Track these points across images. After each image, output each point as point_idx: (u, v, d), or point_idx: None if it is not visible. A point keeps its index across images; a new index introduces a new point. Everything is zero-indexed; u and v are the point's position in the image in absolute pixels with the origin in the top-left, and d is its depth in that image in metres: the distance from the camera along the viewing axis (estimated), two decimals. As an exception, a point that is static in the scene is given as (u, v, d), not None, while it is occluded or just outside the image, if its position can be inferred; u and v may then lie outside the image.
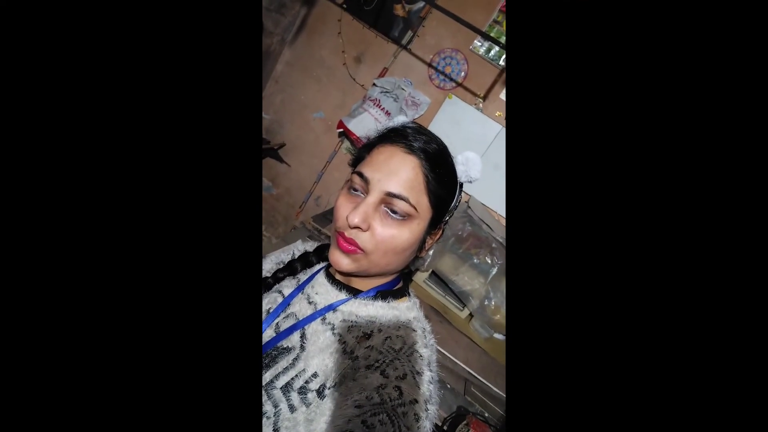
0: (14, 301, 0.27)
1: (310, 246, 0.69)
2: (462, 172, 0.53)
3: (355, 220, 0.47)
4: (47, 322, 0.27)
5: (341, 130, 2.05)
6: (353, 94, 2.13)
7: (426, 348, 0.50)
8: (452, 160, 0.53)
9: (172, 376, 0.28)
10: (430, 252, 1.60)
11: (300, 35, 2.16)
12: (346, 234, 0.49)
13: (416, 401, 0.41)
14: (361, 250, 0.49)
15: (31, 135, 0.28)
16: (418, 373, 0.45)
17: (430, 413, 0.42)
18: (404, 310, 0.54)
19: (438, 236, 0.56)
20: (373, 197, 0.48)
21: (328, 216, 1.92)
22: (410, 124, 0.53)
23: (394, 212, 0.48)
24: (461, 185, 0.55)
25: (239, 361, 0.30)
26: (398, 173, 0.48)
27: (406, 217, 0.48)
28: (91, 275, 0.28)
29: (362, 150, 0.55)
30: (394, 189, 0.47)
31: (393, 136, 0.51)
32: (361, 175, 0.50)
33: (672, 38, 0.28)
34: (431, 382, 0.46)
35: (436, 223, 0.53)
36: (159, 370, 0.28)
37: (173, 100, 0.31)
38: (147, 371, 0.28)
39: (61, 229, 0.28)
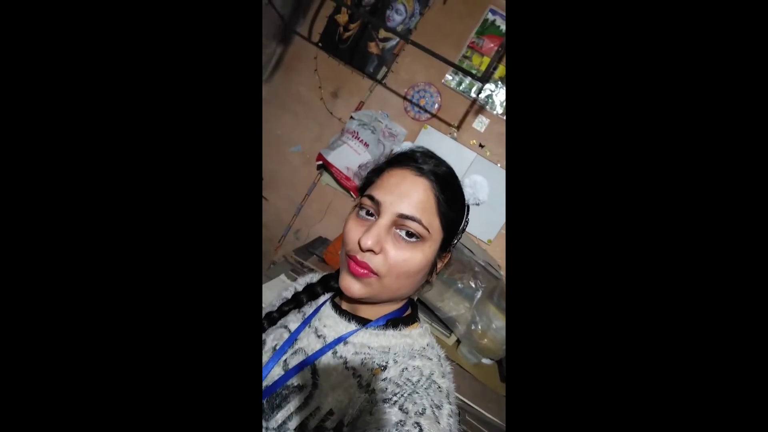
0: (12, 305, 0.25)
1: (316, 277, 0.67)
2: (470, 194, 0.54)
3: (369, 242, 0.46)
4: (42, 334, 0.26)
5: (320, 162, 2.07)
6: (331, 127, 2.16)
7: (444, 378, 0.48)
8: (460, 183, 0.54)
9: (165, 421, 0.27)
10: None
11: (276, 73, 2.20)
12: (358, 257, 0.48)
13: None
14: (375, 273, 0.48)
15: (31, 137, 0.27)
16: (437, 407, 0.43)
17: None
18: (417, 337, 0.53)
19: (447, 259, 0.55)
20: (386, 219, 0.48)
21: (310, 249, 1.89)
22: (418, 148, 0.54)
23: (408, 234, 0.48)
24: (468, 208, 0.56)
25: (237, 408, 0.29)
26: (410, 195, 0.48)
27: (418, 239, 0.48)
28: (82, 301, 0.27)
29: (371, 174, 0.55)
30: (407, 210, 0.48)
31: (403, 160, 0.52)
32: (371, 198, 0.49)
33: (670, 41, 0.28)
34: (451, 416, 0.44)
35: (446, 245, 0.53)
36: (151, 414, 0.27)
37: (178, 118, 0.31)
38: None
39: (53, 241, 0.27)
